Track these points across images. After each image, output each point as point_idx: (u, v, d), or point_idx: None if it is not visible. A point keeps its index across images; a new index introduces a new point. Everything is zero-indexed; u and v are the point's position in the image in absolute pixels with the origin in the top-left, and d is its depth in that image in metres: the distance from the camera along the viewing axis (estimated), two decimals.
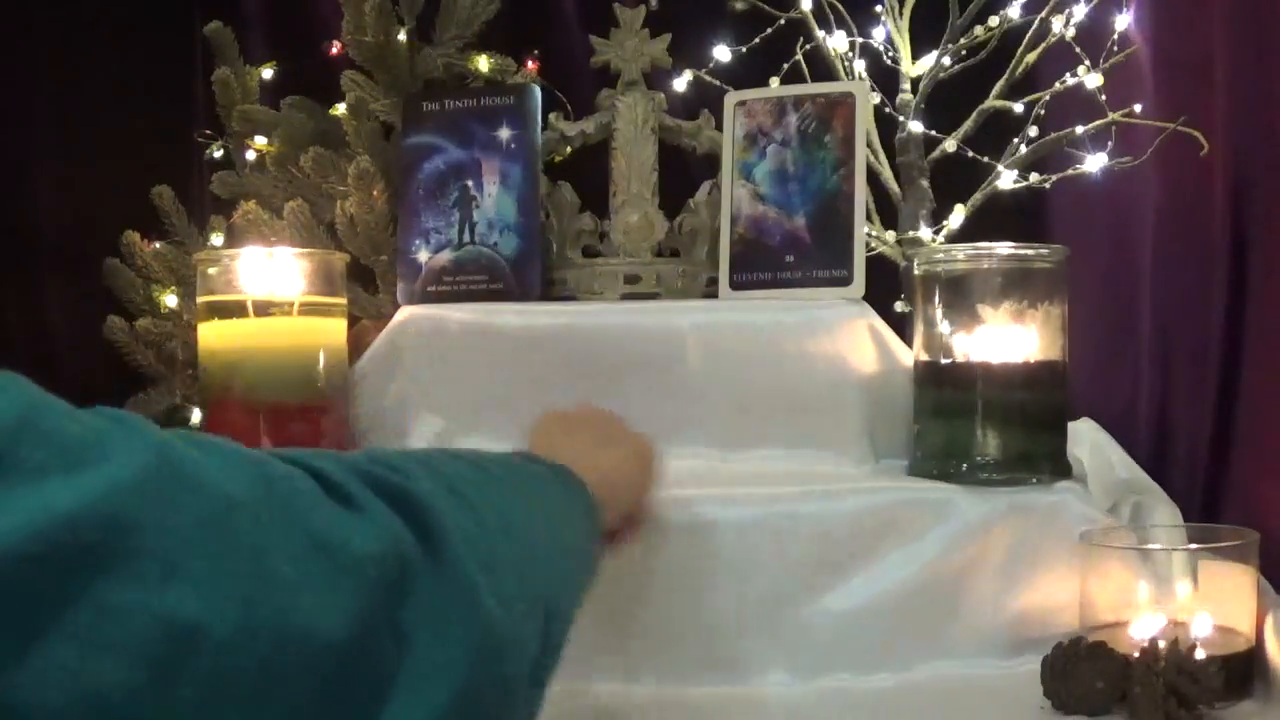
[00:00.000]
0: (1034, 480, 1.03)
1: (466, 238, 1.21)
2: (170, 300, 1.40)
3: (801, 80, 1.35)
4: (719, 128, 1.22)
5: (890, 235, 1.35)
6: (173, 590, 0.36)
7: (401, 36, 1.36)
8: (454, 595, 0.45)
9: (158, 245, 1.42)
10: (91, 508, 0.34)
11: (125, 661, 0.34)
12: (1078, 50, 1.31)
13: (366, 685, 0.41)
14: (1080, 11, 1.32)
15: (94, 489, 0.35)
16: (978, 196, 1.33)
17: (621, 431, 0.82)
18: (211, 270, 1.11)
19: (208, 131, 1.54)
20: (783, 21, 1.36)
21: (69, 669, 0.33)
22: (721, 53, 1.39)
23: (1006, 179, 1.32)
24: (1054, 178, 1.33)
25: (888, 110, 1.37)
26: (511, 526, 0.53)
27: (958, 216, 1.34)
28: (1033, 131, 1.33)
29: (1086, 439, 1.29)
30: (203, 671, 0.36)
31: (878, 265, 1.30)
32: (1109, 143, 1.30)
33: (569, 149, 1.29)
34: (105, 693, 0.34)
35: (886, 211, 1.37)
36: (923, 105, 1.35)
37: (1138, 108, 1.30)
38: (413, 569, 0.44)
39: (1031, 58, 1.33)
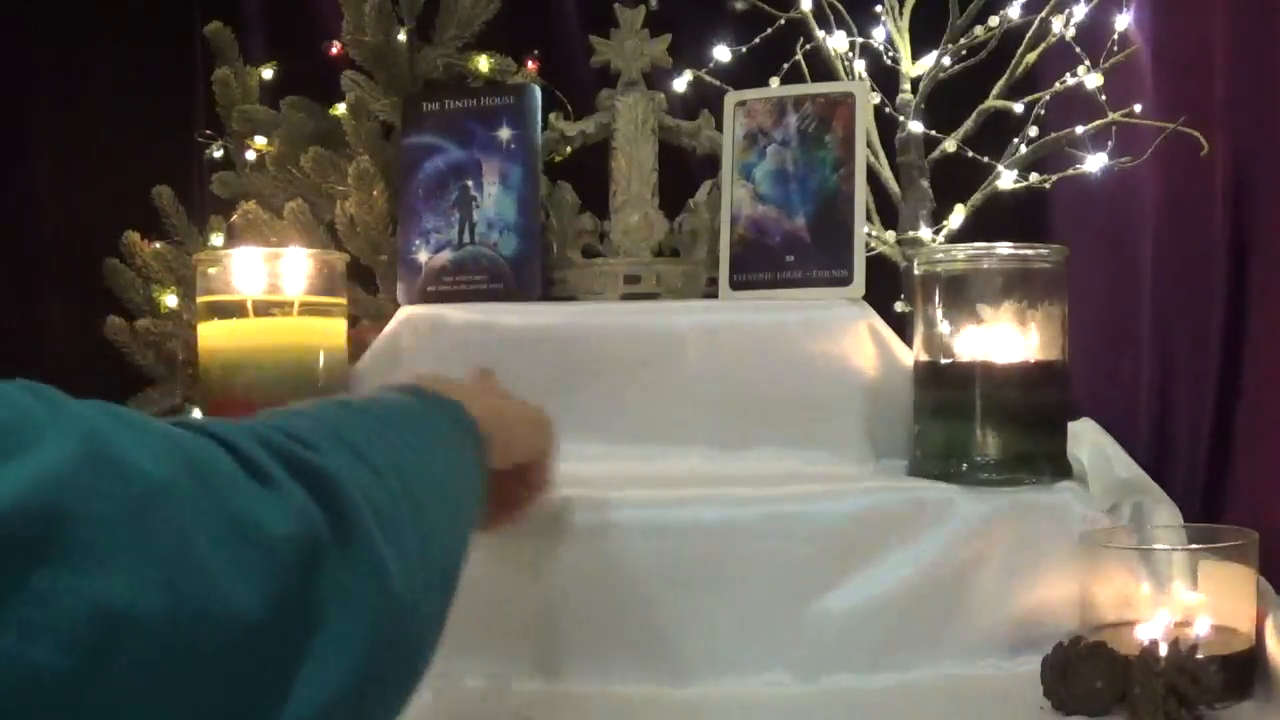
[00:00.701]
0: (1034, 480, 1.03)
1: (466, 238, 1.21)
2: (170, 300, 1.40)
3: (801, 80, 1.35)
4: (719, 128, 1.22)
5: (890, 235, 1.35)
6: (102, 577, 0.37)
7: (401, 36, 1.36)
8: (362, 570, 0.47)
9: (158, 245, 1.42)
10: (25, 500, 0.35)
11: (58, 647, 0.35)
12: (1078, 50, 1.31)
13: (281, 660, 0.43)
14: (1080, 11, 1.32)
15: (26, 480, 0.35)
16: (978, 196, 1.33)
17: (517, 398, 0.88)
18: (211, 270, 1.11)
19: (208, 131, 1.54)
20: (783, 21, 1.36)
21: (7, 654, 0.35)
22: (721, 53, 1.39)
23: (1006, 179, 1.32)
24: (1054, 178, 1.33)
25: (888, 110, 1.37)
26: (415, 493, 0.55)
27: (958, 216, 1.34)
28: (1033, 131, 1.33)
29: (1086, 439, 1.29)
30: (132, 654, 0.37)
31: (878, 265, 1.31)
32: (1109, 143, 1.30)
33: (569, 149, 1.29)
34: (38, 677, 0.35)
35: (886, 211, 1.37)
36: (923, 105, 1.35)
37: (1138, 108, 1.30)
38: (323, 547, 0.45)
39: (1031, 58, 1.33)
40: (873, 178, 1.31)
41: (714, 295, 1.18)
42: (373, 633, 0.47)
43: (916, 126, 1.33)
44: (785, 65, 1.37)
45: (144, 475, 0.39)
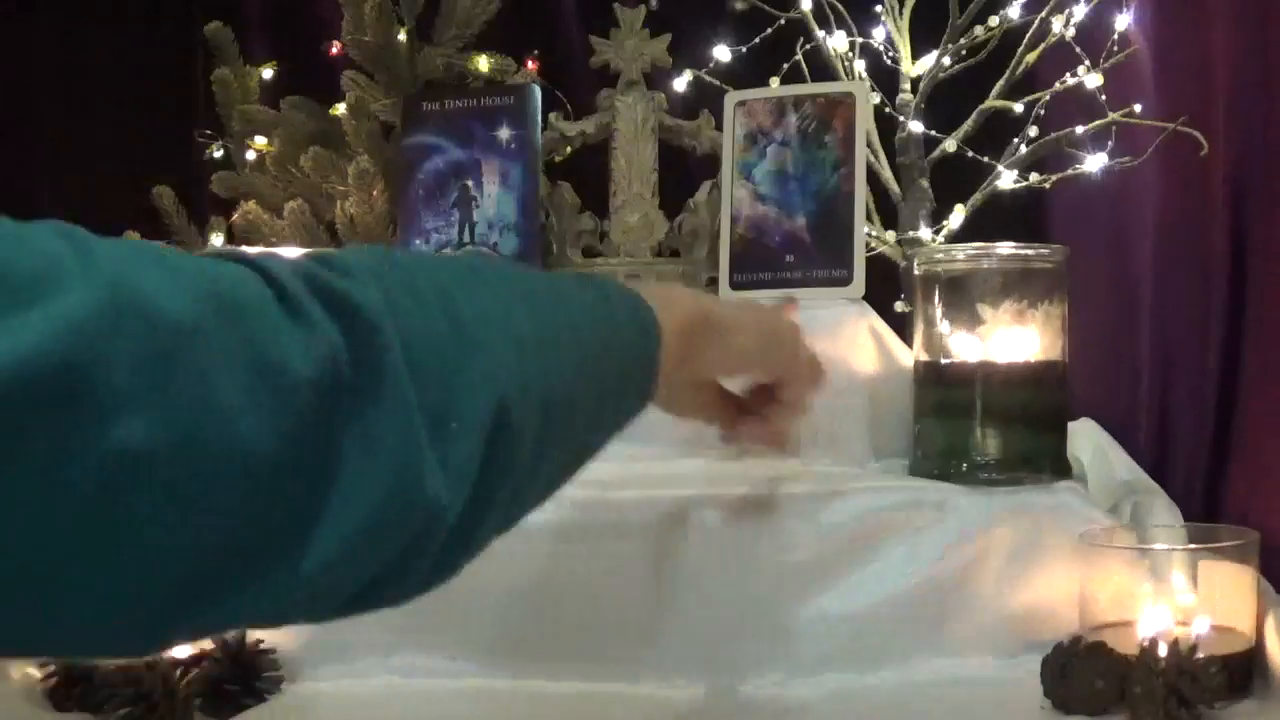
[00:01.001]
0: (1034, 480, 1.03)
1: (466, 238, 1.21)
2: None
3: (801, 80, 1.35)
4: (719, 128, 1.22)
5: (890, 235, 1.35)
6: (121, 424, 0.37)
7: (401, 36, 1.36)
8: (383, 415, 0.45)
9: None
10: (47, 348, 0.35)
11: (78, 492, 0.36)
12: (1078, 50, 1.31)
13: (299, 501, 0.43)
14: (1080, 11, 1.32)
15: (49, 328, 0.36)
16: (978, 196, 1.33)
17: (765, 309, 0.82)
18: None
19: (208, 131, 1.54)
20: (783, 21, 1.36)
21: (27, 502, 0.36)
22: (721, 53, 1.39)
23: (1006, 179, 1.32)
24: (1054, 178, 1.33)
25: (888, 110, 1.37)
26: (471, 334, 0.50)
27: (958, 216, 1.34)
28: (1033, 131, 1.33)
29: (1087, 439, 1.29)
30: (150, 495, 0.38)
31: (878, 265, 1.30)
32: (1109, 143, 1.30)
33: (569, 149, 1.29)
34: (59, 521, 0.36)
35: (886, 211, 1.37)
36: (923, 105, 1.35)
37: (1138, 108, 1.30)
38: (346, 388, 0.44)
39: (1031, 58, 1.33)
40: (873, 178, 1.31)
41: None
42: (389, 479, 0.45)
43: (916, 126, 1.33)
44: (785, 65, 1.37)
45: (169, 320, 0.39)
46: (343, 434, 0.44)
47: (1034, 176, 1.33)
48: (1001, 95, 1.34)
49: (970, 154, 1.35)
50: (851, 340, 1.11)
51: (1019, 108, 1.34)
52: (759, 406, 0.84)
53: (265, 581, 0.43)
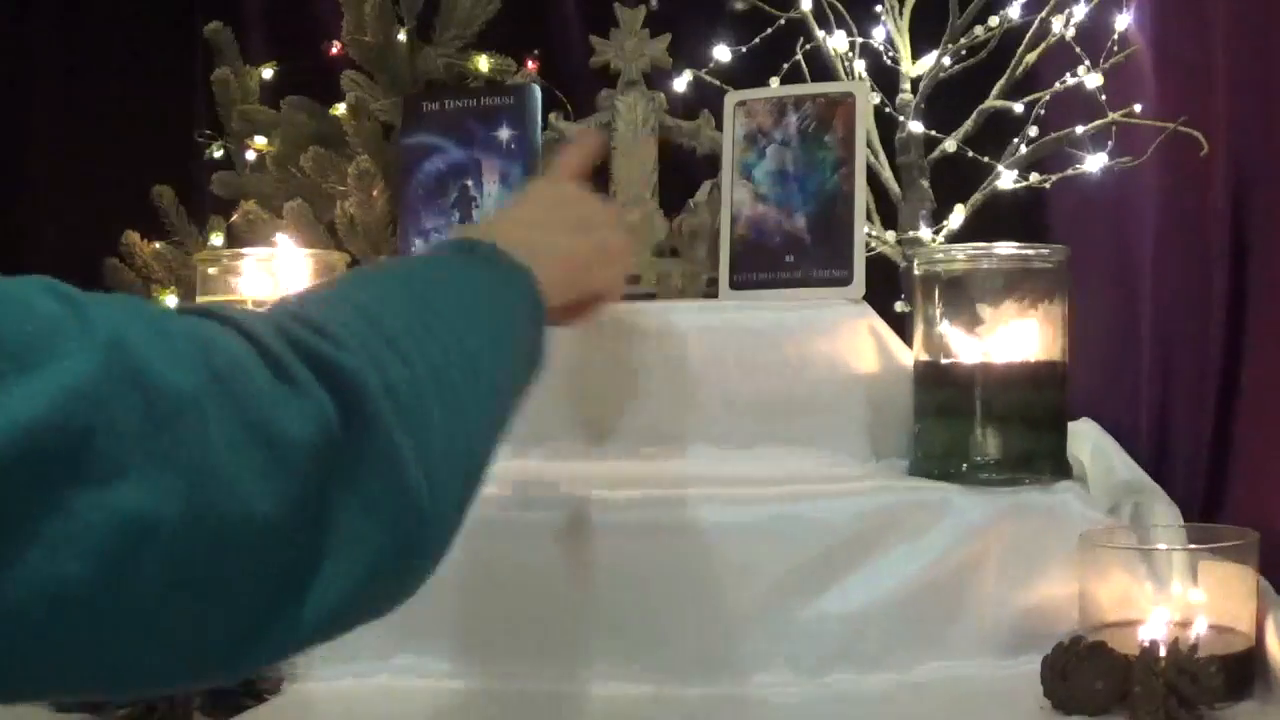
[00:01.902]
0: (1034, 480, 1.03)
1: None
2: (170, 300, 1.40)
3: (801, 80, 1.35)
4: (719, 128, 1.21)
5: (890, 235, 1.35)
6: (124, 489, 0.37)
7: (401, 36, 1.36)
8: (379, 469, 0.47)
9: (158, 245, 1.42)
10: (49, 415, 0.36)
11: (82, 559, 0.36)
12: (1078, 50, 1.31)
13: (298, 561, 0.44)
14: (1080, 11, 1.32)
15: (51, 394, 0.36)
16: (978, 196, 1.33)
17: (596, 216, 0.80)
18: (211, 270, 1.11)
19: (208, 131, 1.54)
20: (783, 21, 1.36)
21: (35, 569, 0.36)
22: (721, 53, 1.39)
23: (1006, 179, 1.32)
24: (1054, 178, 1.33)
25: (888, 110, 1.37)
26: (445, 376, 0.53)
27: (958, 216, 1.34)
28: (1033, 131, 1.33)
29: (1087, 439, 1.29)
30: (156, 559, 0.38)
31: (878, 265, 1.30)
32: (1109, 143, 1.30)
33: None
34: (65, 587, 0.36)
35: (886, 211, 1.37)
36: (923, 105, 1.35)
37: (1138, 108, 1.30)
38: (340, 448, 0.45)
39: (1031, 58, 1.33)
40: (873, 178, 1.31)
41: (714, 295, 1.18)
42: (390, 533, 0.47)
43: (916, 126, 1.33)
44: (785, 65, 1.36)
45: (168, 385, 0.39)
46: (340, 494, 0.45)
47: (1034, 176, 1.33)
48: (1001, 95, 1.34)
49: (970, 154, 1.35)
50: (851, 340, 1.11)
51: (1019, 108, 1.34)
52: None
53: (270, 636, 0.44)
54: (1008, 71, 1.33)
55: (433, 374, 0.52)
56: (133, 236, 1.41)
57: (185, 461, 0.39)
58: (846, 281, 1.12)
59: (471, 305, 0.61)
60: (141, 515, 0.38)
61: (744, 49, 1.39)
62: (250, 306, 1.08)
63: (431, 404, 0.51)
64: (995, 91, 1.34)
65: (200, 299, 1.13)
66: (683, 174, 1.31)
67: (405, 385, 0.49)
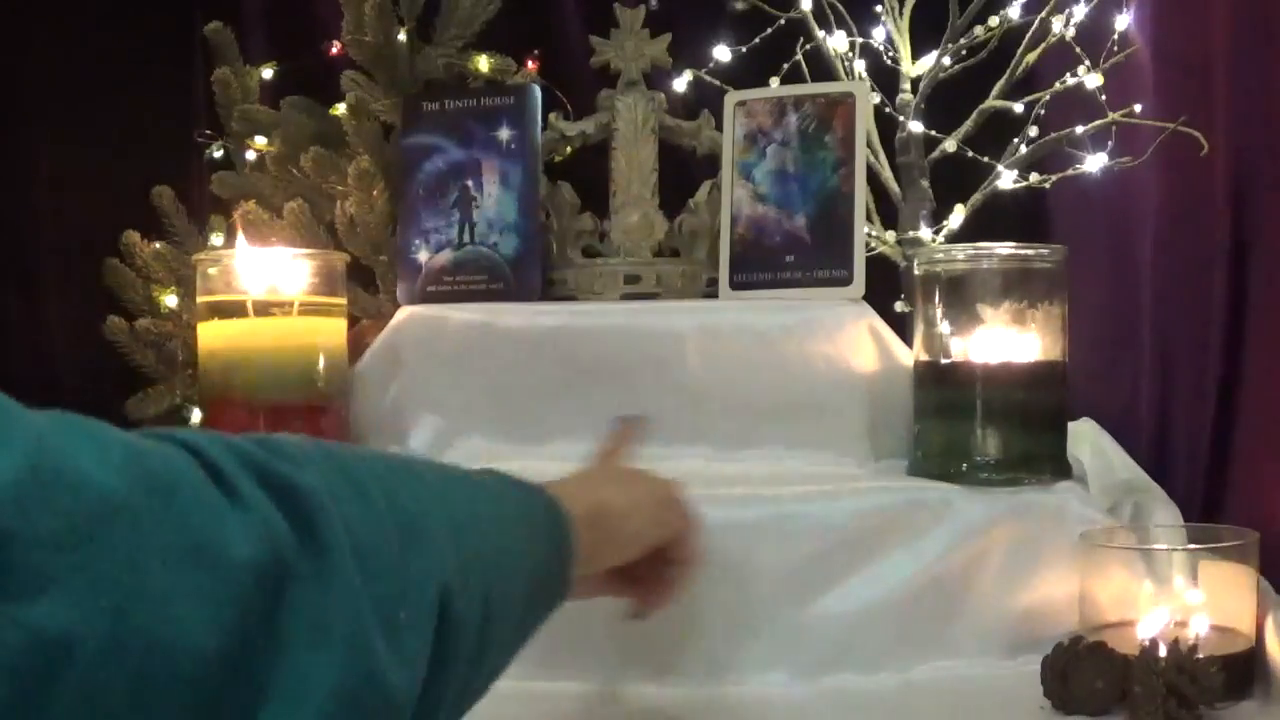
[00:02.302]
0: (1034, 480, 1.03)
1: (466, 238, 1.21)
2: (170, 300, 1.40)
3: (801, 80, 1.35)
4: (719, 128, 1.22)
5: (890, 235, 1.35)
6: (43, 603, 0.34)
7: (401, 36, 1.35)
8: (332, 600, 0.43)
9: (158, 245, 1.41)
10: None
11: None
12: (1078, 50, 1.31)
13: (240, 693, 0.40)
14: (1080, 11, 1.32)
15: None
16: (978, 196, 1.33)
17: (643, 477, 0.81)
18: (211, 270, 1.11)
19: (208, 131, 1.54)
20: (783, 21, 1.36)
21: None
22: (721, 53, 1.39)
23: (1006, 179, 1.32)
24: (1054, 178, 1.33)
25: (888, 110, 1.37)
26: (413, 524, 0.49)
27: (958, 216, 1.34)
28: (1033, 131, 1.33)
29: (1087, 439, 1.29)
30: (73, 684, 0.35)
31: (878, 265, 1.30)
32: (1109, 143, 1.30)
33: (569, 149, 1.29)
34: None
35: (886, 211, 1.37)
36: (923, 105, 1.35)
37: (1138, 108, 1.30)
38: (291, 571, 0.42)
39: (1031, 58, 1.33)
40: (873, 178, 1.31)
41: (714, 295, 1.18)
42: (343, 669, 0.42)
43: (916, 126, 1.33)
44: (785, 65, 1.37)
45: (96, 490, 0.36)
46: (289, 622, 0.41)
47: (1034, 176, 1.33)
48: (1001, 95, 1.34)
49: (970, 154, 1.35)
50: (851, 340, 1.11)
51: (1019, 108, 1.34)
52: (651, 569, 0.82)
53: None
54: (1008, 71, 1.33)
55: (399, 517, 0.49)
56: (133, 236, 1.41)
57: (113, 577, 0.36)
58: (846, 281, 1.12)
59: (472, 486, 0.59)
60: (63, 634, 0.34)
61: (744, 49, 1.39)
62: (250, 306, 1.08)
63: (400, 549, 0.47)
64: (995, 91, 1.34)
65: (200, 299, 1.13)
66: (683, 174, 1.31)
67: (361, 521, 0.46)
